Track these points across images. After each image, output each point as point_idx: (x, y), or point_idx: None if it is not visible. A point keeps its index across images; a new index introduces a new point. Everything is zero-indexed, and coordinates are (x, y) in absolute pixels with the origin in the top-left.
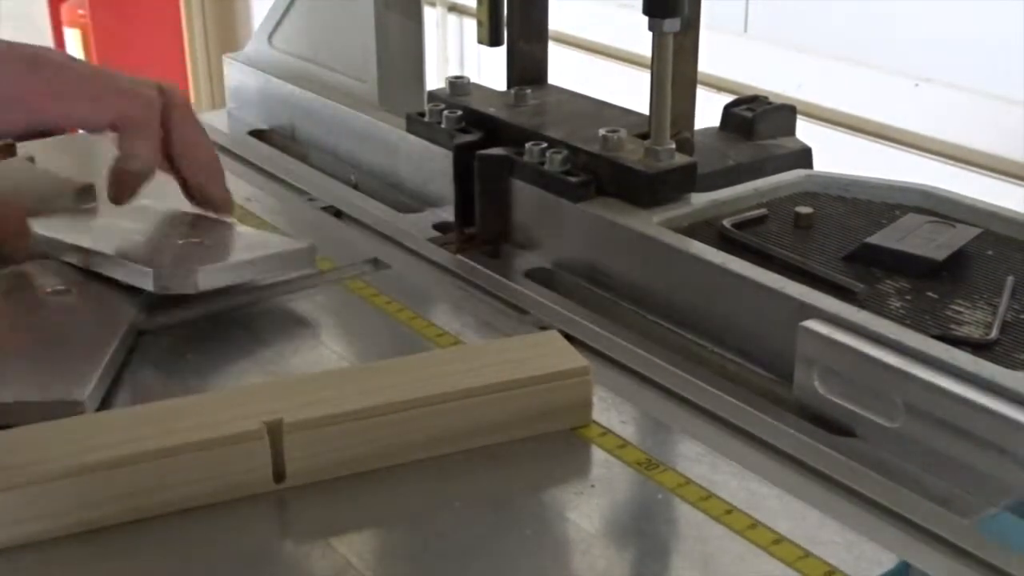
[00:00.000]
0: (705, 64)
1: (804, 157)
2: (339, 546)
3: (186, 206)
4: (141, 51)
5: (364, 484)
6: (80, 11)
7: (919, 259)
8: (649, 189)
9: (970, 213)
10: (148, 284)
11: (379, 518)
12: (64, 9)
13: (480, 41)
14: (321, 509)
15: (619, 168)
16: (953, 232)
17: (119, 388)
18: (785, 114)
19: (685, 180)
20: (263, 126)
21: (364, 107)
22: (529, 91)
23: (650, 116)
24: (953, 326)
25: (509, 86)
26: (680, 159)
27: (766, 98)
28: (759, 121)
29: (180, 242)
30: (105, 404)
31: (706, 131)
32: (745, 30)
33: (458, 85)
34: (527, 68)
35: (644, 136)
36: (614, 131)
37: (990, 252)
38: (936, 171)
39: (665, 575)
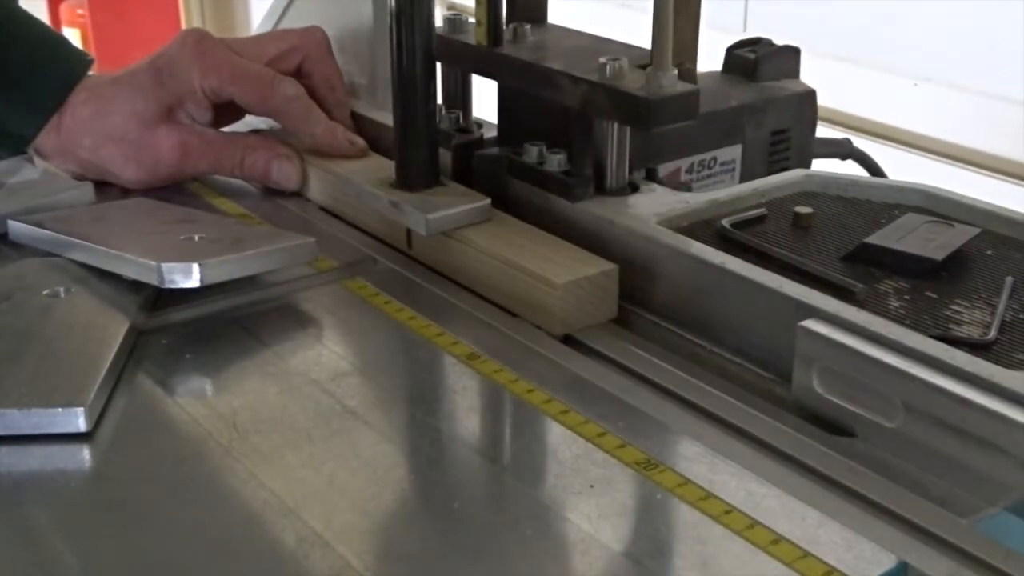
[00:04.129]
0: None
1: (808, 99)
2: (339, 546)
3: (186, 204)
4: (140, 51)
5: (365, 484)
6: (79, 11)
7: (918, 259)
8: (651, 115)
9: (970, 213)
10: (152, 278)
11: (379, 518)
12: (63, 9)
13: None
14: (321, 508)
15: (620, 95)
16: (952, 232)
17: (117, 388)
18: (789, 56)
19: (687, 108)
20: (263, 126)
21: (364, 107)
22: (528, 27)
23: (651, 43)
24: (952, 326)
25: (509, 22)
26: (682, 86)
27: (770, 40)
28: (762, 63)
29: (182, 238)
30: (104, 405)
31: (709, 74)
32: (744, 29)
33: (457, 23)
34: (528, 6)
35: (647, 68)
36: (615, 59)
37: (989, 252)
38: (936, 171)
39: (664, 575)
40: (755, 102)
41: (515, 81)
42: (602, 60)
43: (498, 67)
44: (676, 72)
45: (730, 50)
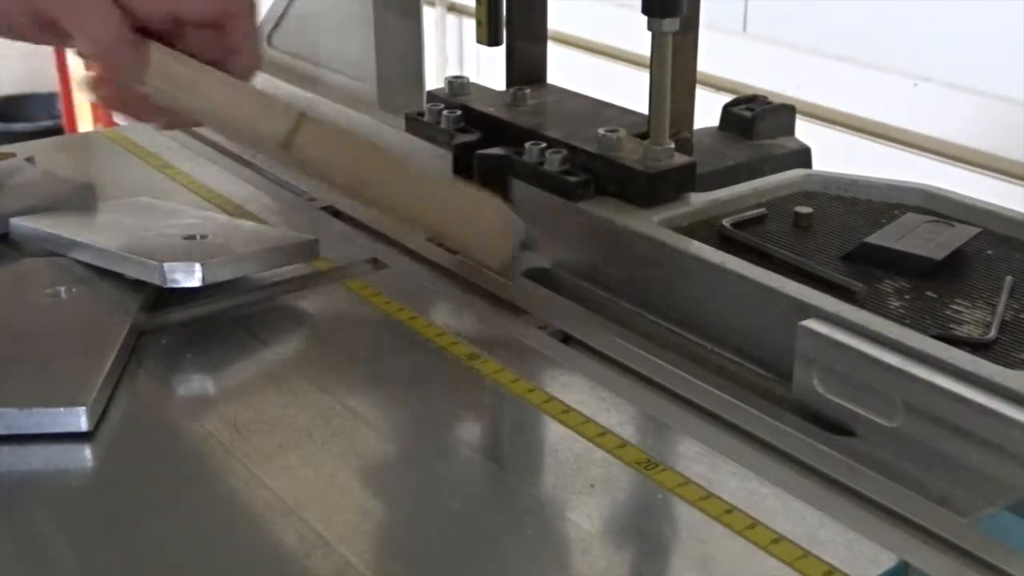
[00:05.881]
0: (704, 64)
1: (803, 157)
2: (339, 546)
3: (187, 203)
4: None
5: (365, 484)
6: None
7: (918, 258)
8: (648, 189)
9: (970, 213)
10: (155, 278)
11: (379, 518)
12: None
13: (479, 41)
14: (322, 508)
15: (618, 168)
16: (952, 231)
17: (118, 388)
18: (784, 114)
19: (684, 180)
20: None
21: (363, 107)
22: (528, 91)
23: (649, 116)
24: (952, 325)
25: (508, 86)
26: (679, 159)
27: (765, 98)
28: (758, 121)
29: (184, 237)
30: (105, 405)
31: (705, 131)
32: (744, 29)
33: (457, 85)
34: (526, 68)
35: (643, 136)
36: (613, 131)
37: (989, 251)
38: (936, 171)
39: (665, 575)
40: (751, 160)
41: (515, 147)
42: (601, 131)
43: (499, 132)
44: (673, 144)
45: (727, 108)
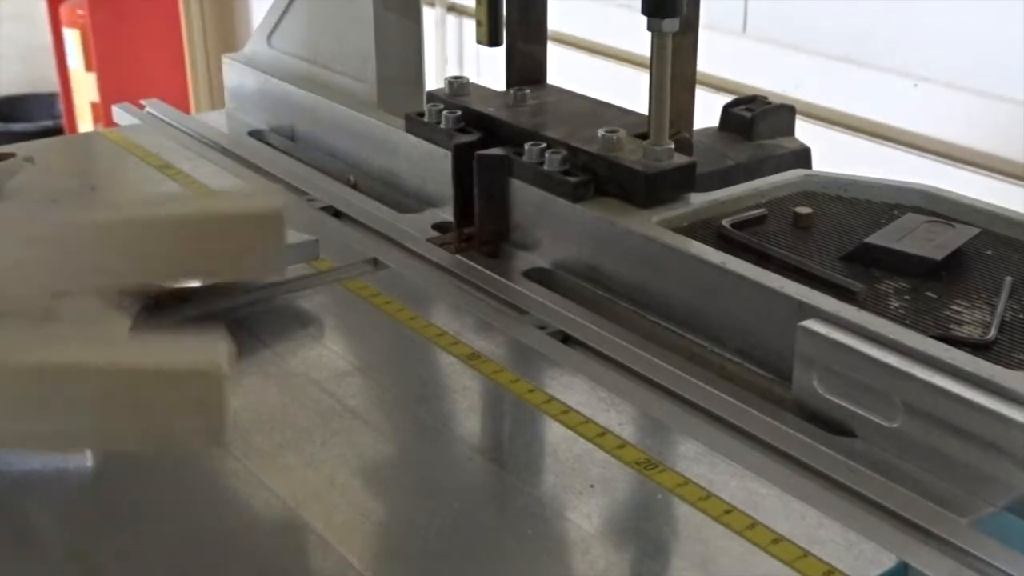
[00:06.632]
0: (704, 64)
1: (803, 157)
2: (339, 546)
3: None
4: (140, 51)
5: (365, 484)
6: (79, 11)
7: (918, 259)
8: (648, 189)
9: (970, 213)
10: None
11: (379, 518)
12: (63, 9)
13: (479, 41)
14: (321, 508)
15: (618, 168)
16: (952, 232)
17: None
18: (784, 114)
19: (684, 180)
20: (262, 126)
21: (363, 107)
22: (528, 91)
23: (649, 116)
24: (952, 326)
25: (508, 86)
26: (679, 159)
27: (765, 98)
28: (758, 121)
29: None
30: None
31: (705, 131)
32: (744, 30)
33: (457, 85)
34: (526, 68)
35: (643, 136)
36: (613, 131)
37: (989, 252)
38: (936, 171)
39: (665, 575)
40: (750, 161)
41: (515, 147)
42: (601, 132)
43: (500, 132)
44: (673, 145)
45: (726, 108)
